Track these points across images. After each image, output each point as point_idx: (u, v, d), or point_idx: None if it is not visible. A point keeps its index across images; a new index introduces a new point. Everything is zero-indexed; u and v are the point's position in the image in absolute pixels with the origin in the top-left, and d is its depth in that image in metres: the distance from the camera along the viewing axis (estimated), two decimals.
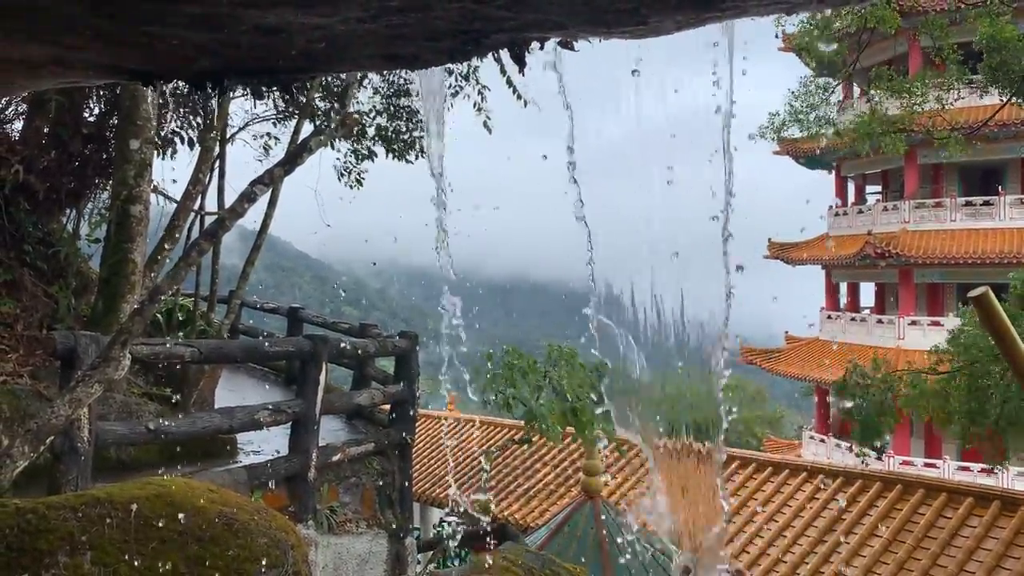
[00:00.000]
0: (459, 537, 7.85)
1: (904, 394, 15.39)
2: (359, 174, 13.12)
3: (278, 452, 7.67)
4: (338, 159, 12.99)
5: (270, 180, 4.48)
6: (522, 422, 11.99)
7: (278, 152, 13.03)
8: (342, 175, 13.09)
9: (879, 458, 27.75)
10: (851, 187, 36.89)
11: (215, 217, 7.40)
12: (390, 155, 12.67)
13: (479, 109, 12.25)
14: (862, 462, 21.88)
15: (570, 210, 2.40)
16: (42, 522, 2.68)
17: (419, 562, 11.13)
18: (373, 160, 12.93)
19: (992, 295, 2.32)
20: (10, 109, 9.05)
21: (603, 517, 8.69)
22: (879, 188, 36.11)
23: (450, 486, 19.34)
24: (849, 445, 24.99)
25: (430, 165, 2.44)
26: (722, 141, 2.17)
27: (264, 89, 2.55)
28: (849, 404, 16.03)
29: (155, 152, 8.82)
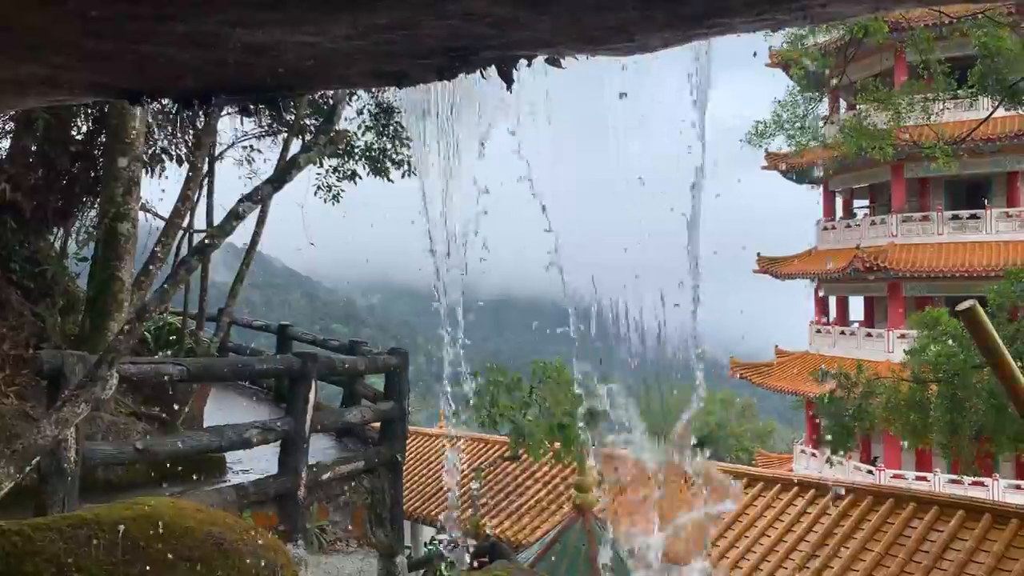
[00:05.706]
0: (449, 555, 7.81)
1: (881, 404, 15.35)
2: (337, 193, 13.07)
3: (267, 471, 7.62)
4: (318, 175, 12.94)
5: (259, 198, 4.49)
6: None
7: (265, 167, 12.97)
8: (319, 189, 13.02)
9: (871, 471, 27.76)
10: (839, 201, 37.07)
11: (204, 235, 7.38)
12: (370, 174, 12.62)
13: None
14: (829, 464, 21.81)
15: (562, 229, 2.41)
16: (28, 544, 2.65)
17: None
18: (355, 183, 12.88)
19: (979, 308, 2.33)
20: None
21: (594, 533, 8.65)
22: (866, 202, 36.30)
23: (440, 505, 19.22)
24: (832, 459, 24.94)
25: (424, 208, 2.44)
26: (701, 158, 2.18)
27: (252, 107, 2.55)
28: (828, 404, 15.98)
29: (143, 170, 8.80)
